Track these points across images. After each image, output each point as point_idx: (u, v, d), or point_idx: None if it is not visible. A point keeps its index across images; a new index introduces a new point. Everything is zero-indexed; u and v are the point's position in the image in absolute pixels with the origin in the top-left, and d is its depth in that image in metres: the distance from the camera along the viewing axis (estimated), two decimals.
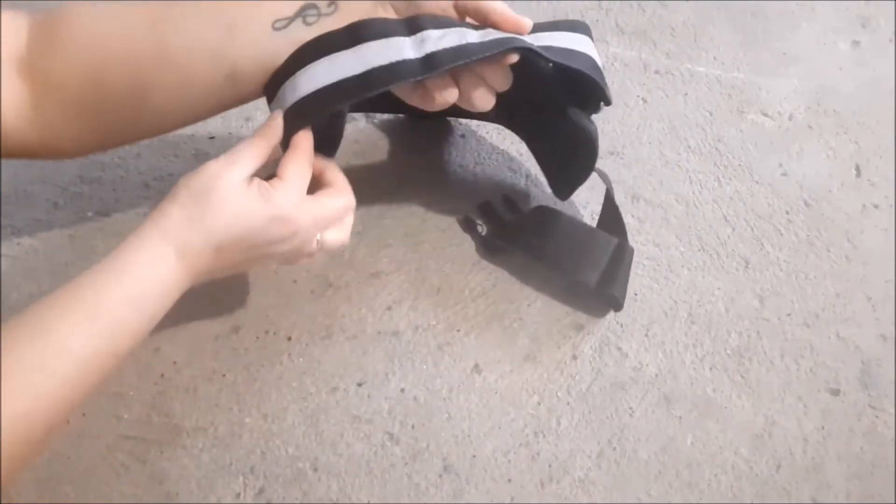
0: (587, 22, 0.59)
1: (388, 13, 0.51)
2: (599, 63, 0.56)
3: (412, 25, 0.49)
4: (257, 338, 0.60)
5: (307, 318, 0.61)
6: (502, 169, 0.70)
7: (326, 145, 0.57)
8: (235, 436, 0.56)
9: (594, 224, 0.65)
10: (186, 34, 0.48)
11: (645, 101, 0.75)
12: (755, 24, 0.81)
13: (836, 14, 0.82)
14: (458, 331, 0.61)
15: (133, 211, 0.64)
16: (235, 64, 0.49)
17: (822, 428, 0.60)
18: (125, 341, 0.44)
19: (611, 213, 0.64)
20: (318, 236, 0.51)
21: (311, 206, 0.49)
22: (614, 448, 0.58)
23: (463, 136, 0.71)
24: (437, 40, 0.49)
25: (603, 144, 0.71)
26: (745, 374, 0.61)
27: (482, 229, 0.64)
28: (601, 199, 0.68)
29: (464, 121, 0.72)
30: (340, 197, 0.52)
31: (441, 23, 0.50)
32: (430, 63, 0.48)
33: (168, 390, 0.57)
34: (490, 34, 0.50)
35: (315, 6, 0.49)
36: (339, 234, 0.53)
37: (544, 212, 0.64)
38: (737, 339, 0.63)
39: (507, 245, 0.63)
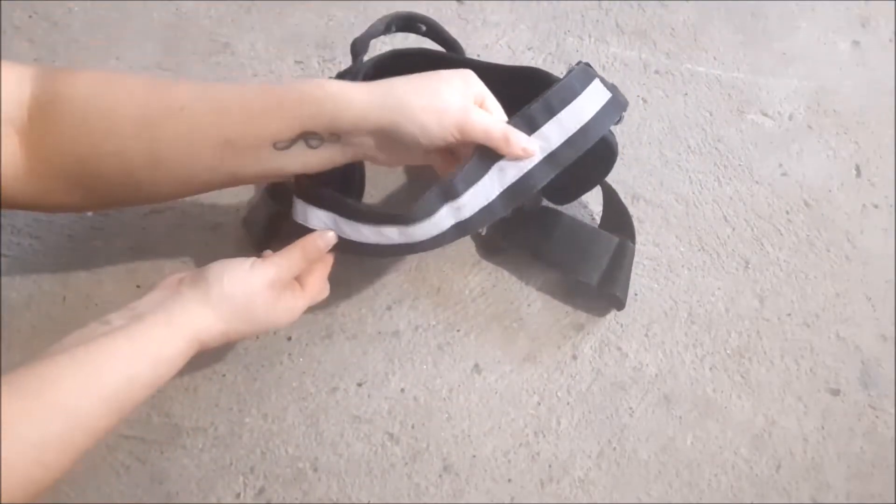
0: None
1: (385, 154, 0.50)
2: (606, 94, 0.56)
3: (449, 191, 0.50)
4: (257, 338, 0.60)
5: (307, 318, 0.61)
6: None
7: (353, 191, 0.61)
8: (235, 436, 0.56)
9: (596, 223, 0.65)
10: (178, 148, 0.47)
11: (645, 101, 0.75)
12: (755, 24, 0.81)
13: (836, 14, 0.82)
14: (458, 331, 0.61)
15: (133, 212, 0.64)
16: (234, 174, 0.49)
17: (822, 428, 0.60)
18: (127, 403, 0.44)
19: (615, 210, 0.64)
20: None
21: (307, 295, 0.54)
22: (614, 448, 0.58)
23: None
24: (469, 205, 0.51)
25: None
26: (745, 374, 0.61)
27: (482, 230, 0.64)
28: (601, 199, 0.68)
29: None
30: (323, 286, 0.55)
31: (470, 176, 0.50)
32: (463, 229, 0.52)
33: (168, 390, 0.57)
34: (506, 174, 0.51)
35: (316, 135, 0.48)
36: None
37: (545, 211, 0.64)
38: (737, 339, 0.63)
39: (507, 245, 0.63)
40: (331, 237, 0.52)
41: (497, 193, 0.51)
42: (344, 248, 0.53)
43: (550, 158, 0.52)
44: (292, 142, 0.48)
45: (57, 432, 0.40)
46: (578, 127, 0.53)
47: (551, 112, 0.52)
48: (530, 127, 0.52)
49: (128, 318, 0.46)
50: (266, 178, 0.53)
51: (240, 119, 0.47)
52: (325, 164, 0.49)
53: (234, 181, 0.50)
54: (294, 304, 0.51)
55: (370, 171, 0.64)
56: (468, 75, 0.50)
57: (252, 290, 0.49)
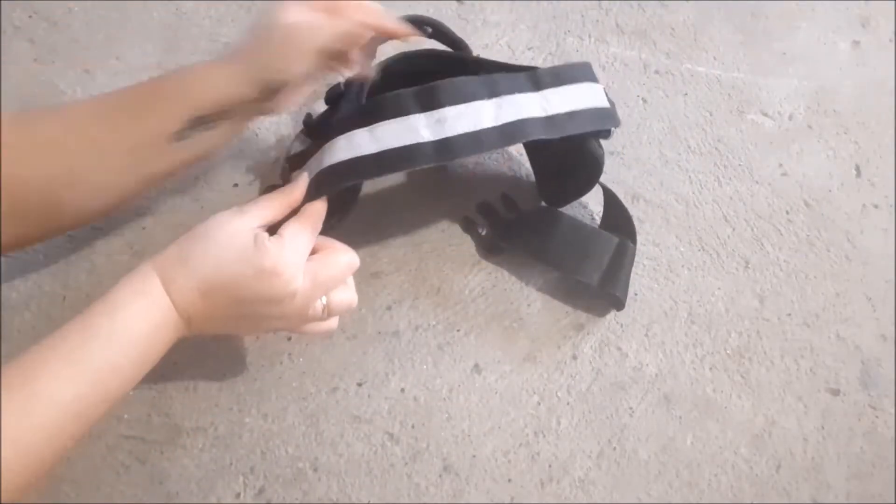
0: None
1: (296, 57, 0.50)
2: (605, 101, 0.57)
3: (428, 99, 0.49)
4: (257, 338, 0.60)
5: None
6: (502, 169, 0.70)
7: (341, 207, 0.58)
8: (235, 436, 0.56)
9: (596, 223, 0.65)
10: (91, 156, 0.48)
11: (645, 101, 0.75)
12: (755, 24, 0.81)
13: (836, 14, 0.82)
14: (458, 331, 0.61)
15: (132, 212, 0.64)
16: (150, 174, 0.51)
17: (822, 428, 0.60)
18: (114, 385, 0.43)
19: (616, 211, 0.64)
20: (323, 300, 0.50)
21: (311, 265, 0.48)
22: (614, 448, 0.58)
23: None
24: (453, 121, 0.48)
25: (603, 144, 0.71)
26: (745, 374, 0.61)
27: (482, 229, 0.64)
28: (601, 199, 0.68)
29: None
30: (341, 254, 0.50)
31: (457, 92, 0.49)
32: (445, 150, 0.48)
33: (168, 390, 0.57)
34: (503, 111, 0.50)
35: (206, 117, 0.50)
36: (344, 295, 0.51)
37: (545, 211, 0.64)
38: (737, 339, 0.63)
39: (507, 245, 0.63)
40: (303, 175, 0.50)
41: (489, 125, 0.49)
42: (323, 184, 0.50)
43: (549, 120, 0.52)
44: (185, 131, 0.49)
45: (42, 423, 0.40)
46: (581, 107, 0.53)
47: (559, 81, 0.53)
48: (536, 85, 0.51)
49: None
50: (181, 168, 0.52)
51: (133, 120, 0.49)
52: (229, 136, 0.52)
53: (153, 180, 0.52)
54: (276, 250, 0.46)
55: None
56: None
57: (232, 228, 0.46)
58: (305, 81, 0.52)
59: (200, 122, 0.49)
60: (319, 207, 0.50)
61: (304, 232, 0.49)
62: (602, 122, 0.56)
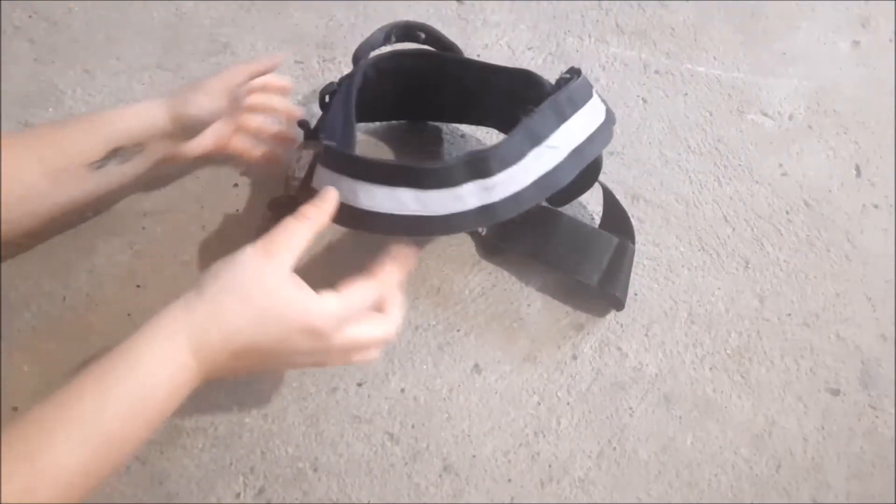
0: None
1: (206, 95, 0.55)
2: (603, 108, 0.57)
3: (480, 169, 0.48)
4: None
5: None
6: None
7: None
8: (235, 436, 0.56)
9: (596, 223, 0.65)
10: (10, 178, 0.49)
11: (645, 101, 0.75)
12: (755, 24, 0.81)
13: (836, 14, 0.82)
14: (458, 331, 0.61)
15: (133, 212, 0.64)
16: (70, 200, 0.53)
17: (822, 428, 0.60)
18: (125, 449, 0.41)
19: (614, 211, 0.64)
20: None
21: (353, 329, 0.45)
22: (614, 448, 0.58)
23: (463, 136, 0.71)
24: (501, 187, 0.48)
25: None
26: (745, 374, 0.61)
27: (482, 229, 0.64)
28: (601, 199, 0.68)
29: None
30: (383, 324, 0.48)
31: (508, 156, 0.48)
32: (488, 215, 0.48)
33: None
34: (541, 163, 0.50)
35: (122, 148, 0.53)
36: (369, 356, 0.48)
37: (545, 211, 0.64)
38: (737, 339, 0.63)
39: (507, 245, 0.63)
40: (332, 192, 0.49)
41: (529, 182, 0.49)
42: (356, 220, 0.49)
43: (577, 153, 0.52)
44: (104, 160, 0.52)
45: (45, 496, 0.38)
46: (595, 126, 0.53)
47: (575, 106, 0.52)
48: (560, 117, 0.51)
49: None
50: (95, 196, 0.55)
51: (53, 148, 0.51)
52: (137, 172, 0.56)
53: (71, 206, 0.54)
54: (326, 310, 0.43)
55: None
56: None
57: (271, 278, 0.42)
58: (214, 121, 0.57)
59: (118, 152, 0.52)
60: (393, 270, 0.48)
61: (366, 294, 0.46)
62: (610, 134, 0.57)
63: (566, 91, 0.52)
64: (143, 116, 0.53)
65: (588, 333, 0.62)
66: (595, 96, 0.57)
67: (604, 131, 0.56)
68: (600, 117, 0.56)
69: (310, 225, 0.47)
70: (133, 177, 0.56)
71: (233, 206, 0.65)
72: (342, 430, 0.57)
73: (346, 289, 0.45)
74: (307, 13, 0.76)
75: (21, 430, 0.38)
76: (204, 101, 0.55)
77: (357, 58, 0.60)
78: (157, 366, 0.41)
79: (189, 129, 0.56)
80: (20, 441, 0.38)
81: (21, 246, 0.59)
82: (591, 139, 0.53)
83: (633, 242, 0.62)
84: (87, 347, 0.58)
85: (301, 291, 0.43)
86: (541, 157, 0.50)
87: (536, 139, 0.50)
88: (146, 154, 0.55)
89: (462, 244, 0.65)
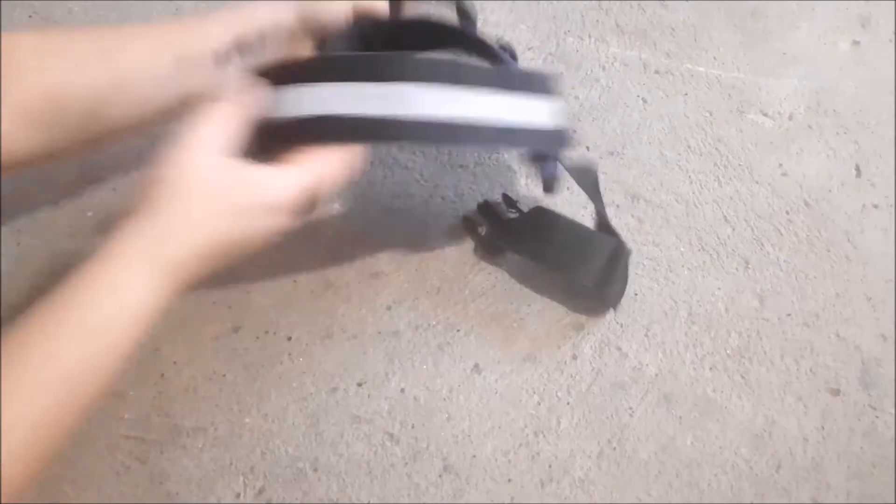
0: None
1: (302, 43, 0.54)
2: (551, 124, 0.54)
3: (409, 68, 0.47)
4: (257, 338, 0.60)
5: (307, 318, 0.61)
6: (502, 169, 0.70)
7: None
8: (235, 436, 0.56)
9: (594, 224, 0.65)
10: (138, 68, 0.50)
11: (645, 101, 0.75)
12: (755, 24, 0.81)
13: (836, 14, 0.82)
14: (458, 331, 0.61)
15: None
16: (187, 93, 0.51)
17: (822, 428, 0.60)
18: (94, 384, 0.40)
19: (601, 215, 0.63)
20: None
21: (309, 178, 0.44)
22: (614, 448, 0.58)
23: None
24: (418, 102, 0.46)
25: (603, 144, 0.71)
26: (745, 374, 0.61)
27: (482, 230, 0.64)
28: (602, 200, 0.68)
29: None
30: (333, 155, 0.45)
31: (438, 73, 0.47)
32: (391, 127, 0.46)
33: (168, 390, 0.57)
34: (459, 108, 0.48)
35: (248, 44, 0.52)
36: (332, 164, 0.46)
37: (542, 213, 0.64)
38: (737, 339, 0.63)
39: (505, 245, 0.63)
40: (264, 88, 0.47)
41: (438, 115, 0.47)
42: (290, 134, 0.46)
43: (483, 114, 0.49)
44: (229, 53, 0.51)
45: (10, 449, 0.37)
46: (510, 126, 0.51)
47: (509, 87, 0.51)
48: (503, 83, 0.50)
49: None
50: (209, 93, 0.48)
51: (182, 33, 0.51)
52: (248, 70, 0.49)
53: (190, 99, 0.50)
54: (280, 173, 0.42)
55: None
56: None
57: (205, 164, 0.41)
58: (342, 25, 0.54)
59: (242, 46, 0.52)
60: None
61: (325, 157, 0.44)
62: (554, 143, 0.55)
63: (521, 70, 0.52)
64: (272, 16, 0.53)
65: (588, 333, 0.62)
66: (547, 104, 0.54)
67: (542, 135, 0.54)
68: (543, 119, 0.54)
69: (237, 107, 0.45)
70: (248, 69, 0.50)
71: None
72: (342, 430, 0.57)
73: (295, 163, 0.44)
74: None
75: (12, 337, 0.38)
76: (335, 7, 0.54)
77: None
78: (111, 297, 0.40)
79: (316, 31, 0.54)
80: (13, 343, 0.38)
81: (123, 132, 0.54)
82: (511, 130, 0.51)
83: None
84: None
85: (243, 170, 0.42)
86: (460, 101, 0.47)
87: (468, 82, 0.48)
88: (270, 51, 0.53)
89: (462, 244, 0.65)
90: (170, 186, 0.41)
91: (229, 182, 0.41)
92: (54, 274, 0.61)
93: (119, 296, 0.40)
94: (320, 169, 0.44)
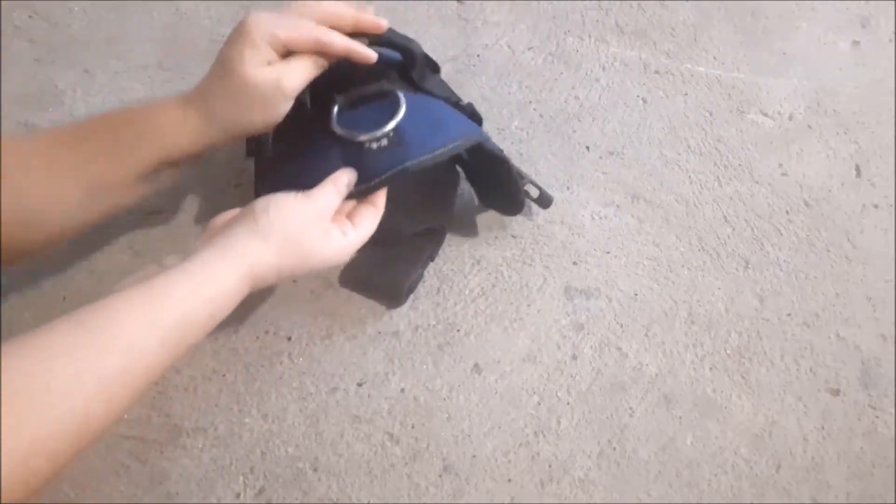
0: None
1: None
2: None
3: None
4: (257, 338, 0.60)
5: (307, 318, 0.61)
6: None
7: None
8: (235, 436, 0.56)
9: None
10: (45, 195, 0.49)
11: (645, 101, 0.75)
12: (755, 24, 0.81)
13: (836, 14, 0.82)
14: (458, 331, 0.61)
15: (133, 212, 0.64)
16: (104, 210, 0.52)
17: (822, 428, 0.60)
18: (189, 341, 0.44)
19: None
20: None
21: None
22: (614, 448, 0.58)
23: None
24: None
25: (603, 144, 0.71)
26: (745, 374, 0.61)
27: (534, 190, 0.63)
28: (601, 199, 0.68)
29: None
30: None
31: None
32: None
33: (168, 390, 0.57)
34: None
35: (173, 160, 0.52)
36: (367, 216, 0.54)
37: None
38: (737, 339, 0.63)
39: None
40: (351, 172, 0.53)
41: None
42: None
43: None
44: (153, 174, 0.51)
45: (117, 367, 0.40)
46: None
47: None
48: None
49: (182, 258, 0.46)
50: (142, 197, 0.53)
51: (97, 160, 0.49)
52: (190, 163, 0.54)
53: (107, 214, 0.52)
54: (344, 240, 0.51)
55: None
56: (247, 30, 0.50)
57: (301, 220, 0.49)
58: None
59: (167, 165, 0.51)
60: (380, 199, 0.54)
61: (369, 221, 0.53)
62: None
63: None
64: (192, 136, 0.51)
65: (588, 333, 0.62)
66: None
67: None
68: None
69: (335, 189, 0.52)
70: (178, 177, 0.55)
71: (233, 205, 0.65)
72: (342, 430, 0.57)
73: (359, 226, 0.52)
74: None
75: (88, 312, 0.41)
76: (261, 120, 0.52)
77: None
78: (219, 281, 0.46)
79: (241, 138, 0.55)
80: (89, 317, 0.41)
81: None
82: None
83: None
84: None
85: (328, 234, 0.50)
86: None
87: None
88: (195, 160, 0.54)
89: (462, 244, 0.65)
90: (276, 223, 0.48)
91: (315, 240, 0.49)
92: (54, 274, 0.61)
93: (212, 283, 0.45)
94: (369, 229, 0.53)
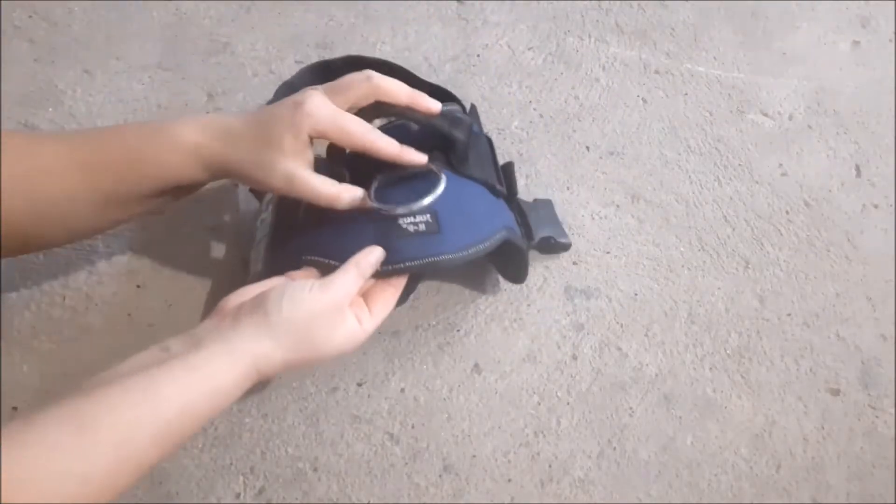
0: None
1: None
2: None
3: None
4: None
5: None
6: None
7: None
8: (235, 436, 0.56)
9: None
10: (59, 205, 0.49)
11: (645, 101, 0.75)
12: (755, 24, 0.81)
13: (836, 14, 0.82)
14: (458, 331, 0.61)
15: None
16: (113, 222, 0.53)
17: (822, 428, 0.60)
18: (178, 438, 0.42)
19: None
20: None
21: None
22: (614, 448, 0.58)
23: None
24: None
25: (603, 144, 0.71)
26: (745, 374, 0.61)
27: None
28: (601, 199, 0.68)
29: None
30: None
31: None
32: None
33: None
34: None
35: (181, 185, 0.51)
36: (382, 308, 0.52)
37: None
38: (737, 339, 0.63)
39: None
40: (379, 252, 0.50)
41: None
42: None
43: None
44: (162, 197, 0.51)
45: (105, 467, 0.39)
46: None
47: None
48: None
49: (187, 344, 0.45)
50: (150, 212, 0.53)
51: (109, 181, 0.49)
52: (196, 188, 0.53)
53: (115, 224, 0.53)
54: (358, 329, 0.49)
55: None
56: (299, 116, 0.49)
57: (316, 314, 0.47)
58: None
59: (177, 191, 0.51)
60: (400, 280, 0.53)
61: (386, 304, 0.51)
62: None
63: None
64: (201, 172, 0.50)
65: (588, 333, 0.62)
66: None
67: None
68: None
69: (357, 272, 0.49)
70: (197, 187, 0.54)
71: (233, 206, 0.65)
72: (342, 430, 0.57)
73: (375, 311, 0.50)
74: (307, 13, 0.76)
75: (80, 404, 0.39)
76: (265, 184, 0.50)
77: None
78: (222, 376, 0.44)
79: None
80: (81, 409, 0.39)
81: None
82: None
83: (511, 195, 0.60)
84: (87, 347, 0.58)
85: (342, 326, 0.48)
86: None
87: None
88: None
89: None
90: (290, 319, 0.46)
91: (328, 331, 0.48)
92: (54, 275, 0.61)
93: (214, 380, 0.44)
94: (384, 313, 0.51)
